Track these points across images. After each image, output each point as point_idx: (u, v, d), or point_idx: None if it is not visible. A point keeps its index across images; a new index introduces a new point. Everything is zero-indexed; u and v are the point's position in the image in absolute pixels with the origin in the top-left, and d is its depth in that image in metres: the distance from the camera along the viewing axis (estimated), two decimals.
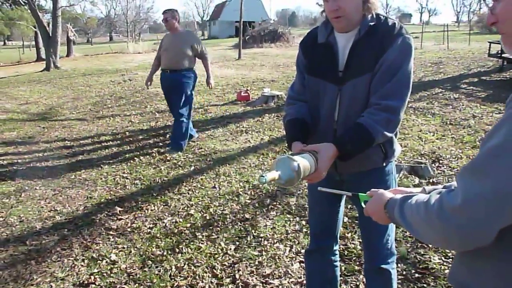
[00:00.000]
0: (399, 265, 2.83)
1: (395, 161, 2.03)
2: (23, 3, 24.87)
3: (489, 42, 12.25)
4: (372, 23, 1.76)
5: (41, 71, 19.13)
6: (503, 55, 11.06)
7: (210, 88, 6.18)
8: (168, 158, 5.54)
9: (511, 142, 0.84)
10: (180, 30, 5.83)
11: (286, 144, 1.85)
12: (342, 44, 1.83)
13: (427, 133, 6.04)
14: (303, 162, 1.55)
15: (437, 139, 5.76)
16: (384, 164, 1.93)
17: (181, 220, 3.77)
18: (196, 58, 5.90)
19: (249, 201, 4.09)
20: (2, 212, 4.09)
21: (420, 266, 2.88)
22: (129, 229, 3.64)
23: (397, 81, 1.71)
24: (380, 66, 1.72)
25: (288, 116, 1.93)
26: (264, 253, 3.17)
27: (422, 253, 3.03)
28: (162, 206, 4.10)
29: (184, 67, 5.68)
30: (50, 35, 20.63)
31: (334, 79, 1.83)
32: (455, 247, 1.02)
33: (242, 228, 3.55)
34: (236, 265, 3.03)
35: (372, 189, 1.38)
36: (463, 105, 7.67)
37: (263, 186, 4.41)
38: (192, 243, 3.36)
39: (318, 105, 1.90)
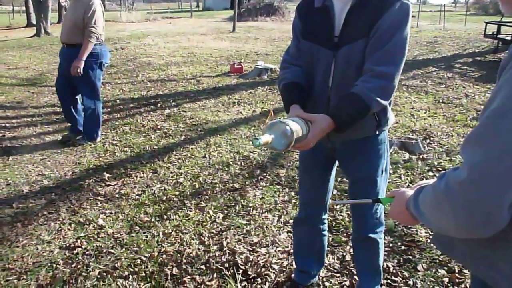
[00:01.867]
0: (386, 237, 2.85)
1: (388, 130, 2.01)
2: None
3: (485, 22, 12.18)
4: None
5: (31, 36, 18.70)
6: (498, 35, 11.03)
7: (72, 72, 4.54)
8: (159, 127, 5.49)
9: (510, 103, 0.80)
10: None
11: (284, 108, 1.82)
12: (338, 9, 1.77)
13: (419, 111, 6.03)
14: (295, 127, 1.52)
15: (429, 116, 5.76)
16: (377, 133, 1.90)
17: (170, 188, 3.75)
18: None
19: (239, 172, 4.07)
20: None
21: (407, 239, 2.90)
22: (117, 195, 3.62)
23: (392, 47, 1.66)
24: (376, 32, 1.67)
25: (285, 80, 1.88)
26: (252, 222, 3.17)
27: (409, 226, 3.05)
28: (151, 173, 4.07)
29: (81, 41, 4.56)
30: (41, 0, 20.12)
31: (329, 44, 1.78)
32: (466, 229, 0.87)
33: (231, 198, 3.55)
34: (223, 233, 3.03)
35: (393, 190, 1.31)
36: (456, 84, 7.66)
37: (253, 157, 4.39)
38: (180, 210, 3.35)
39: (313, 70, 1.86)
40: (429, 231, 2.96)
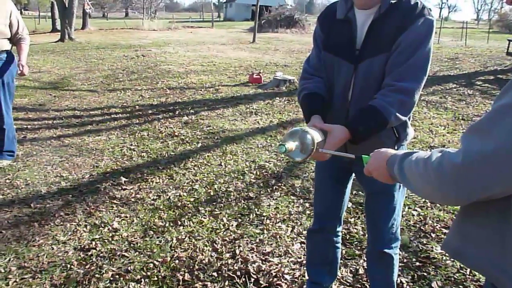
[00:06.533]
0: (400, 253, 2.80)
1: (407, 145, 1.99)
2: None
3: (508, 40, 12.05)
4: (393, 1, 1.70)
5: (55, 41, 19.14)
6: None
7: (22, 74, 4.23)
8: (176, 134, 5.53)
9: None
10: None
11: (304, 118, 1.81)
12: (361, 21, 1.76)
13: (438, 127, 5.97)
14: (316, 136, 1.52)
15: (448, 133, 5.70)
16: (396, 147, 1.88)
17: (185, 194, 3.77)
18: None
19: (254, 181, 4.08)
20: (9, 175, 4.11)
21: (422, 255, 2.86)
22: (133, 199, 3.65)
23: (414, 62, 1.64)
24: (397, 46, 1.65)
25: (306, 90, 1.86)
26: (265, 231, 3.16)
27: (424, 242, 3.01)
28: (167, 179, 4.10)
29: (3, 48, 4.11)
30: (67, 6, 20.58)
31: (350, 57, 1.76)
32: (452, 203, 1.01)
33: (245, 206, 3.55)
34: (237, 241, 3.02)
35: (375, 150, 1.35)
36: (476, 102, 7.57)
37: (268, 167, 4.39)
38: (194, 217, 3.36)
39: (333, 82, 1.85)
40: None
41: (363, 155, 1.41)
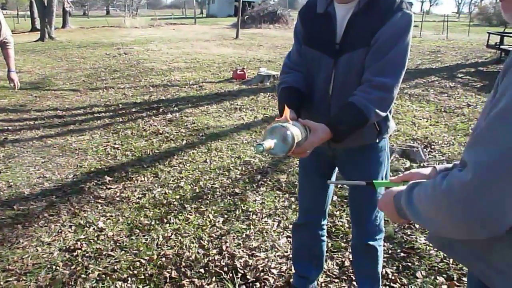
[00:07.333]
0: (385, 244, 2.84)
1: (389, 137, 2.01)
2: None
3: (488, 33, 12.22)
4: None
5: (35, 41, 18.85)
6: (501, 46, 11.07)
7: (15, 88, 4.39)
8: (160, 132, 5.51)
9: None
10: None
11: (278, 112, 1.81)
12: (341, 15, 1.76)
13: (421, 119, 6.04)
14: (296, 132, 1.52)
15: (430, 125, 5.77)
16: (377, 141, 1.89)
17: (170, 191, 3.76)
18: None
19: (239, 176, 4.08)
20: None
21: (406, 246, 2.90)
22: (118, 198, 3.63)
23: (392, 57, 1.64)
24: (376, 41, 1.65)
25: (284, 84, 1.86)
26: (252, 227, 3.17)
27: (408, 233, 3.05)
28: (152, 177, 4.08)
29: None
30: (46, 5, 20.26)
31: (330, 51, 1.76)
32: (461, 230, 0.86)
33: (231, 202, 3.55)
34: (223, 237, 3.03)
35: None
36: (458, 94, 7.67)
37: (254, 162, 4.40)
38: (180, 214, 3.35)
39: (313, 76, 1.85)
40: None
41: (374, 181, 1.41)
